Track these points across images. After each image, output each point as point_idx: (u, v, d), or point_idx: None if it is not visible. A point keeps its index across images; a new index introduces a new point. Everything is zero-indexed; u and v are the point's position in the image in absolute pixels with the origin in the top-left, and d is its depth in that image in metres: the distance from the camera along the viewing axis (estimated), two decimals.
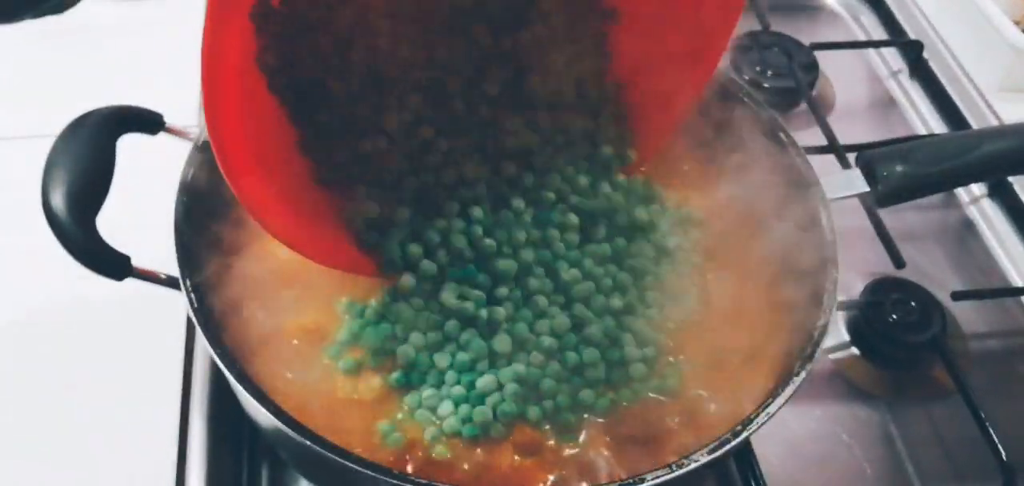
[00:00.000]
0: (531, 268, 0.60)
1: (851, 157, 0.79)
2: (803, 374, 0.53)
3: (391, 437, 0.54)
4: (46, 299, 0.70)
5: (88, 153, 0.55)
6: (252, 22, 0.54)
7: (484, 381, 0.56)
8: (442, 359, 0.57)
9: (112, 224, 0.55)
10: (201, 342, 0.63)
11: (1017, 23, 0.97)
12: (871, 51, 1.02)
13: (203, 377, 0.63)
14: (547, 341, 0.57)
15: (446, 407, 0.55)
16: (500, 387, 0.56)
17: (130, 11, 0.93)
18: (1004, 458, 0.65)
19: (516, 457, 0.55)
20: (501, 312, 0.58)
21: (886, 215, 0.75)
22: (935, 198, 0.85)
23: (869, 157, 0.67)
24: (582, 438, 0.55)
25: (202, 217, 0.61)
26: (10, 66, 0.87)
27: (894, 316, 0.73)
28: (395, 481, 0.48)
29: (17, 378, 0.65)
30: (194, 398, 0.62)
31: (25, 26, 0.89)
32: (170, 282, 0.55)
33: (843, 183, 0.66)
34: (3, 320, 0.68)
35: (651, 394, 0.58)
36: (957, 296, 0.76)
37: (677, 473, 0.49)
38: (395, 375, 0.56)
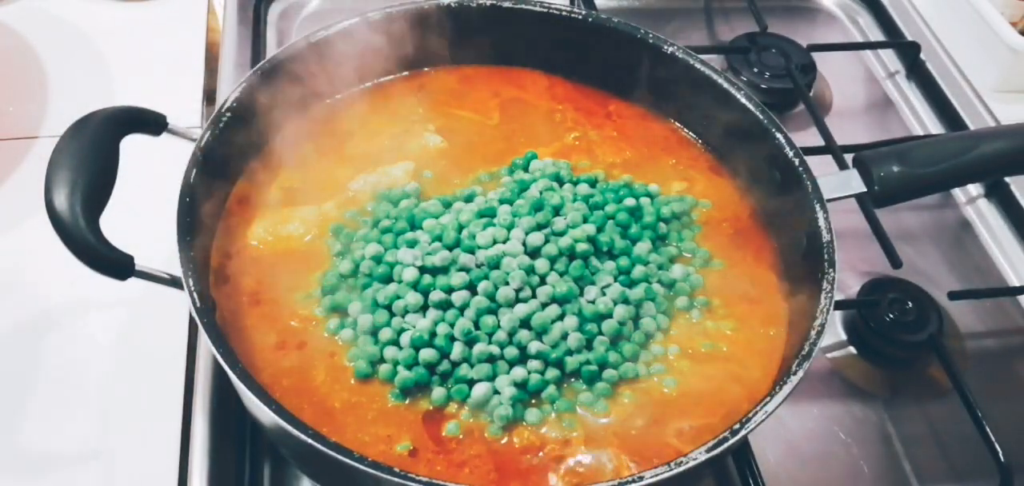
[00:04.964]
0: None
1: (848, 158, 0.79)
2: (800, 373, 0.54)
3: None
4: (50, 299, 0.70)
5: (91, 154, 0.55)
6: None
7: (480, 388, 0.56)
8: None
9: (115, 224, 0.55)
10: (203, 341, 0.63)
11: (1014, 25, 0.97)
12: (868, 52, 1.02)
13: (206, 376, 0.63)
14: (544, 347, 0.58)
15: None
16: (498, 392, 0.57)
17: (133, 12, 0.93)
18: (1001, 457, 0.65)
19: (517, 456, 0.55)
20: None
21: (883, 215, 0.76)
22: (932, 198, 0.85)
23: (866, 158, 0.67)
24: (581, 435, 0.56)
25: (205, 218, 0.61)
26: (14, 66, 0.87)
27: (891, 315, 0.73)
28: (396, 479, 0.48)
29: (21, 377, 0.66)
30: (197, 396, 0.62)
31: (27, 27, 0.90)
32: (173, 282, 0.55)
33: (840, 183, 0.67)
34: (9, 319, 0.69)
35: (649, 392, 0.58)
36: (954, 296, 0.77)
37: (676, 471, 0.50)
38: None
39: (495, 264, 0.61)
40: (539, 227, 0.64)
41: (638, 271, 0.63)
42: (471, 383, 0.57)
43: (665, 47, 0.73)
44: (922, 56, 0.99)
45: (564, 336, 0.59)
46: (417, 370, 0.57)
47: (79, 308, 0.69)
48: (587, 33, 0.75)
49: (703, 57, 0.73)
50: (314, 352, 0.59)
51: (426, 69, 0.77)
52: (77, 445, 0.63)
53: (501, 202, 0.66)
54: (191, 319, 0.67)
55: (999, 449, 0.65)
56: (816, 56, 0.95)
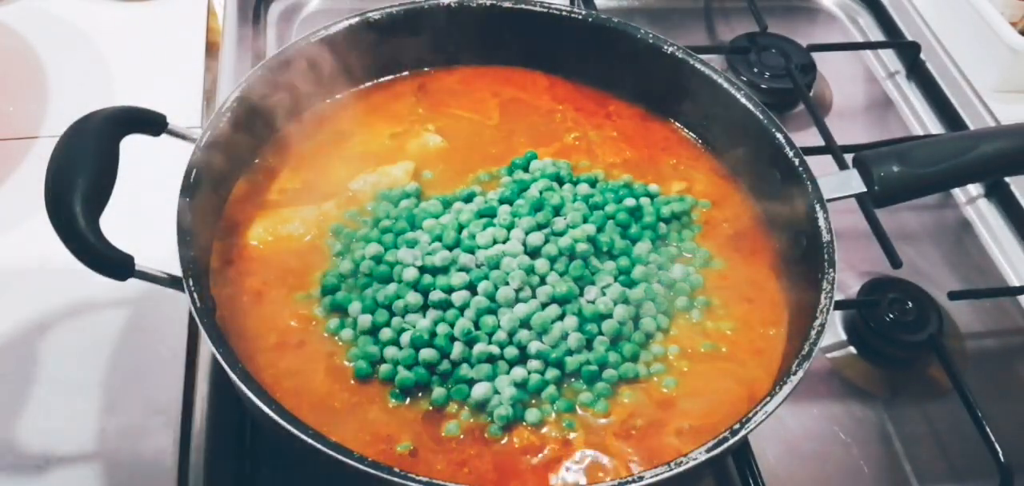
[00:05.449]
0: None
1: (848, 158, 0.79)
2: (800, 373, 0.54)
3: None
4: (50, 299, 0.70)
5: (92, 154, 0.55)
6: None
7: (480, 388, 0.56)
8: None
9: (115, 225, 0.55)
10: (204, 341, 0.63)
11: (1014, 25, 0.97)
12: (868, 52, 1.02)
13: (206, 376, 0.63)
14: (545, 347, 0.58)
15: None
16: (498, 392, 0.57)
17: (133, 12, 0.93)
18: (1001, 457, 0.65)
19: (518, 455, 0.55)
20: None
21: (883, 215, 0.76)
22: (932, 198, 0.85)
23: (866, 158, 0.67)
24: (581, 435, 0.56)
25: (204, 218, 0.61)
26: (14, 66, 0.87)
27: (891, 315, 0.73)
28: (396, 479, 0.48)
29: (21, 377, 0.66)
30: (197, 396, 0.62)
31: (27, 27, 0.90)
32: (173, 282, 0.55)
33: (840, 183, 0.67)
34: (9, 319, 0.69)
35: (649, 392, 0.58)
36: (954, 296, 0.77)
37: (676, 471, 0.50)
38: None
39: (495, 264, 0.61)
40: (539, 227, 0.64)
41: (638, 271, 0.63)
42: (471, 383, 0.57)
43: (665, 47, 0.73)
44: (922, 56, 0.99)
45: (564, 336, 0.59)
46: (417, 370, 0.57)
47: (79, 308, 0.69)
48: (587, 33, 0.75)
49: (703, 57, 0.73)
50: (314, 352, 0.59)
51: (426, 69, 0.77)
52: (77, 445, 0.62)
53: (501, 202, 0.66)
54: (191, 319, 0.67)
55: (999, 449, 0.65)
56: (816, 56, 0.95)
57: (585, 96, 0.77)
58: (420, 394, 0.57)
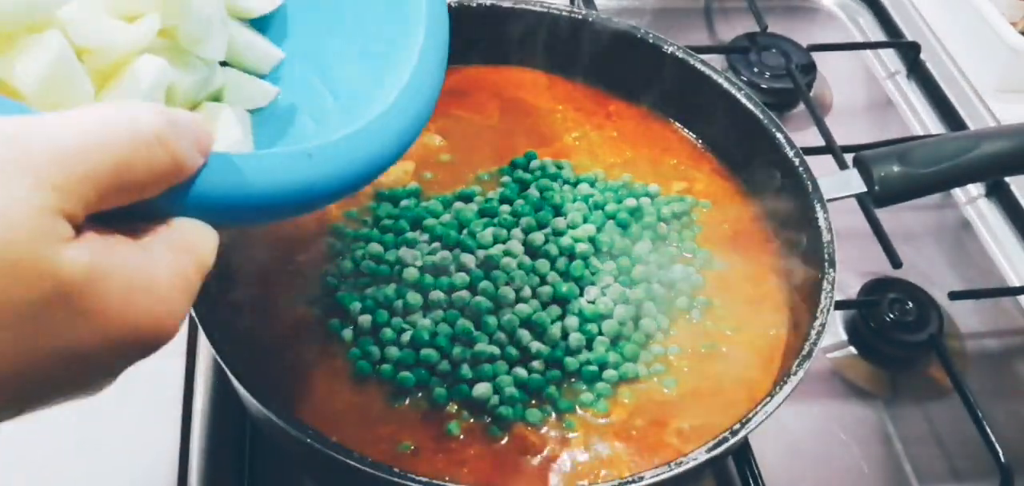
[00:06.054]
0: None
1: (848, 158, 0.79)
2: (801, 373, 0.54)
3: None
4: None
5: None
6: None
7: (480, 388, 0.56)
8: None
9: None
10: (203, 341, 0.63)
11: (1014, 24, 0.97)
12: (868, 52, 1.02)
13: (206, 376, 0.63)
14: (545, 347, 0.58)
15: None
16: (498, 392, 0.56)
17: None
18: (1001, 457, 0.65)
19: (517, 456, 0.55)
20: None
21: (883, 215, 0.76)
22: (932, 198, 0.85)
23: (866, 158, 0.67)
24: (581, 435, 0.56)
25: None
26: None
27: (891, 316, 0.73)
28: (396, 479, 0.48)
29: None
30: (197, 397, 0.62)
31: None
32: None
33: (840, 183, 0.67)
34: None
35: (650, 392, 0.58)
36: (954, 296, 0.77)
37: (676, 471, 0.50)
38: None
39: (495, 263, 0.61)
40: (539, 226, 0.64)
41: (638, 271, 0.63)
42: (471, 383, 0.57)
43: (665, 47, 0.73)
44: (922, 56, 0.99)
45: (564, 336, 0.59)
46: (417, 370, 0.57)
47: None
48: (587, 33, 0.75)
49: (703, 57, 0.73)
50: (314, 352, 0.59)
51: None
52: (76, 445, 0.63)
53: (501, 201, 0.66)
54: (191, 319, 0.66)
55: (999, 449, 0.65)
56: (816, 56, 0.95)
57: (585, 96, 0.77)
58: (420, 394, 0.57)
